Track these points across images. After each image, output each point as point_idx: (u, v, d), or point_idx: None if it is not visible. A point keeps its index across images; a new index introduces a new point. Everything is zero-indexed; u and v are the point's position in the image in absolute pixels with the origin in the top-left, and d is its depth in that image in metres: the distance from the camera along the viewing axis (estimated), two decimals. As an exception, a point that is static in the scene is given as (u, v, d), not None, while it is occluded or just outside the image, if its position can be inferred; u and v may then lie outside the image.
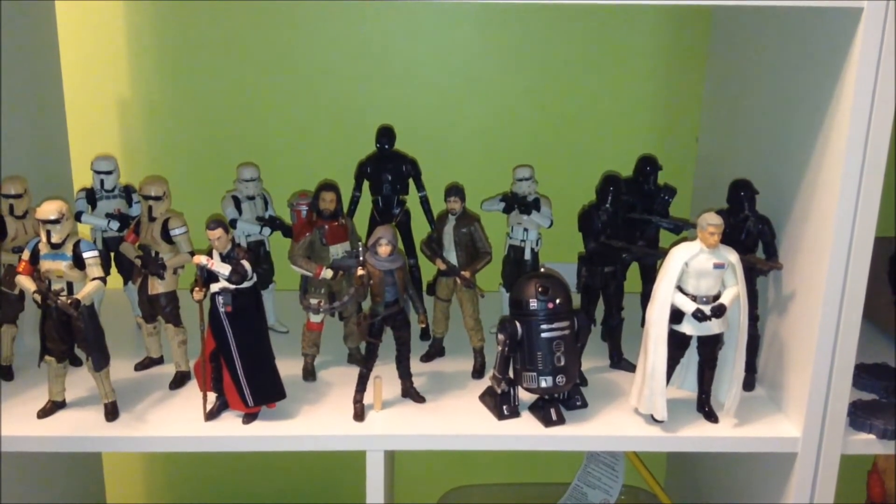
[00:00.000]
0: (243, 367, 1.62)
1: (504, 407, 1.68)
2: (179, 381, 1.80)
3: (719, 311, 1.60)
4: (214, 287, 1.60)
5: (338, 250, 1.82)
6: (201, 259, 1.58)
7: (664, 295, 1.60)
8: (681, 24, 2.30)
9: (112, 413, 1.65)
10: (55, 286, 1.58)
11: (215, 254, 1.60)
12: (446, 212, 1.85)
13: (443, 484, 2.49)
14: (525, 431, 1.65)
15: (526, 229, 1.96)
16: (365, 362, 1.69)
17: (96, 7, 2.24)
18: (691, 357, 1.70)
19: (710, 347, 1.66)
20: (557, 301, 1.63)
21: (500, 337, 1.66)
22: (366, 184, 2.04)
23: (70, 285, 1.58)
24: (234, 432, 1.63)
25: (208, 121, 2.34)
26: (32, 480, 1.98)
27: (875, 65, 1.42)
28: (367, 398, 1.69)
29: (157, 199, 1.76)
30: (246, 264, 1.59)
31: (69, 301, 1.55)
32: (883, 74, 1.42)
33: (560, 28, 2.30)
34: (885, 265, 2.10)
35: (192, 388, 1.77)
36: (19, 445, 1.61)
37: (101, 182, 1.97)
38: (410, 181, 2.04)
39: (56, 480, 2.13)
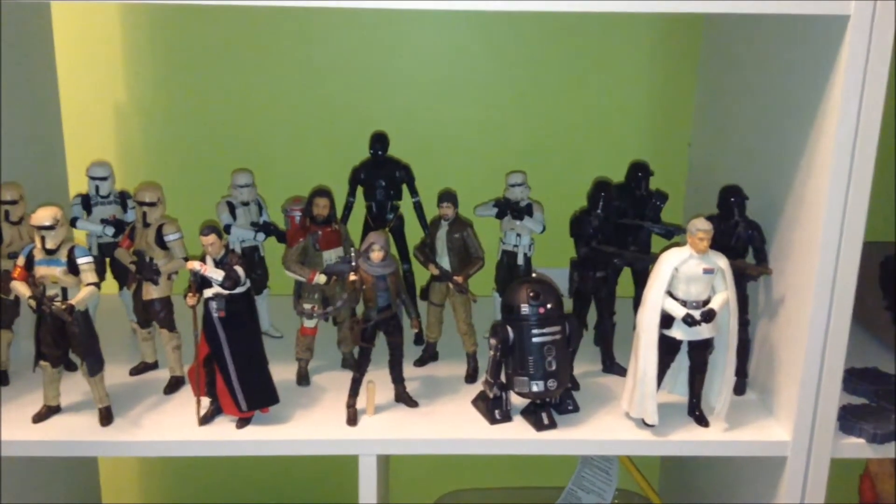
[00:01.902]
0: (237, 372, 1.63)
1: (496, 411, 1.69)
2: (174, 385, 1.81)
3: (709, 316, 1.60)
4: (208, 292, 1.61)
5: (331, 256, 1.83)
6: (195, 265, 1.59)
7: (654, 300, 1.61)
8: (672, 31, 2.31)
9: (106, 418, 1.66)
10: (50, 292, 1.59)
11: (209, 259, 1.61)
12: (439, 217, 1.86)
13: (438, 488, 2.49)
14: (517, 436, 1.66)
15: (519, 234, 1.97)
16: (358, 367, 1.70)
17: (92, 12, 2.24)
18: (682, 362, 1.71)
19: (701, 352, 1.67)
20: (549, 306, 1.64)
21: (492, 341, 1.67)
22: (359, 189, 2.05)
23: (65, 291, 1.59)
24: (227, 437, 1.63)
25: (203, 127, 2.35)
26: (28, 484, 1.99)
27: (862, 70, 1.43)
28: (361, 402, 1.70)
29: (152, 205, 1.77)
30: (239, 270, 1.60)
31: (63, 306, 1.56)
32: (870, 79, 1.43)
33: (553, 35, 2.31)
34: (876, 270, 2.11)
35: (187, 392, 1.78)
36: (15, 450, 1.61)
37: (97, 188, 1.98)
38: (404, 187, 2.05)
39: (51, 484, 2.13)
